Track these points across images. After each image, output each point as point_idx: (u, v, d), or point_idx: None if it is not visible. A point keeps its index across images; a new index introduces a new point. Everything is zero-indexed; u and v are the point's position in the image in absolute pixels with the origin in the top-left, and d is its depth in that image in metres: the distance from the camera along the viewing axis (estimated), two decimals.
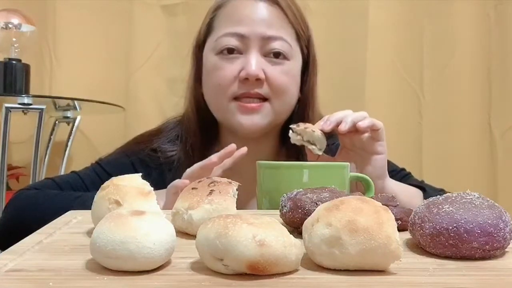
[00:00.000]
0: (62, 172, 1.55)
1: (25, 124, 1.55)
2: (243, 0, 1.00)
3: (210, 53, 1.00)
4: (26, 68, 1.51)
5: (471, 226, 0.47)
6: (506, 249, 0.49)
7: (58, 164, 1.59)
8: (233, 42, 0.97)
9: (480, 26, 1.62)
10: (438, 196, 0.53)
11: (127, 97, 1.65)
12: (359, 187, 0.85)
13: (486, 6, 1.62)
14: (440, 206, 0.49)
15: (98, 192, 0.57)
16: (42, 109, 1.43)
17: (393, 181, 0.94)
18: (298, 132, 0.88)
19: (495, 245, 0.47)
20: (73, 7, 1.65)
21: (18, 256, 0.47)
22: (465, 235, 0.46)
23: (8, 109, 1.39)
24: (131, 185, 0.56)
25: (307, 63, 1.04)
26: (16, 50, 1.50)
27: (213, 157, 0.84)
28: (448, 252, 0.47)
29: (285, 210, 0.58)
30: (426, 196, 0.92)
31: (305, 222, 0.47)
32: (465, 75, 1.63)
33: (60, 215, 0.66)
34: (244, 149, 0.87)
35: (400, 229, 0.49)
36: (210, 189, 0.58)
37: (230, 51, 0.97)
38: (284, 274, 0.42)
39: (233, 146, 0.86)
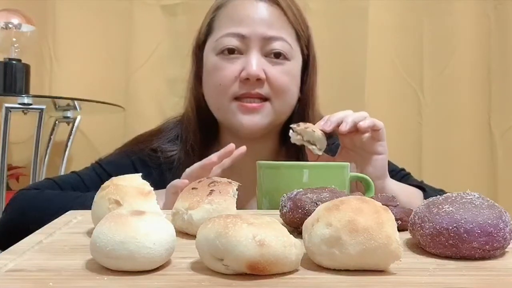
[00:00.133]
0: (62, 172, 1.55)
1: (25, 124, 1.55)
2: (244, 0, 1.00)
3: (211, 53, 1.00)
4: (26, 68, 1.51)
5: (471, 226, 0.47)
6: (506, 249, 0.49)
7: (58, 164, 1.59)
8: (233, 43, 0.97)
9: (480, 26, 1.62)
10: (438, 196, 0.53)
11: (127, 97, 1.65)
12: (359, 187, 0.85)
13: (486, 6, 1.62)
14: (440, 206, 0.49)
15: (98, 192, 0.57)
16: (42, 109, 1.43)
17: (393, 181, 0.94)
18: (298, 132, 0.88)
19: (495, 245, 0.47)
20: (73, 7, 1.65)
21: (18, 256, 0.47)
22: (465, 235, 0.46)
23: (8, 109, 1.39)
24: (131, 185, 0.56)
25: (307, 63, 1.04)
26: (16, 50, 1.51)
27: (213, 157, 0.84)
28: (448, 252, 0.47)
29: (285, 210, 0.58)
30: (426, 196, 0.92)
31: (305, 222, 0.47)
32: (465, 75, 1.63)
33: (60, 215, 0.66)
34: (243, 148, 0.87)
35: (400, 229, 0.49)
36: (210, 189, 0.58)
37: (231, 51, 0.97)
38: (284, 274, 0.42)
39: (232, 145, 0.86)
